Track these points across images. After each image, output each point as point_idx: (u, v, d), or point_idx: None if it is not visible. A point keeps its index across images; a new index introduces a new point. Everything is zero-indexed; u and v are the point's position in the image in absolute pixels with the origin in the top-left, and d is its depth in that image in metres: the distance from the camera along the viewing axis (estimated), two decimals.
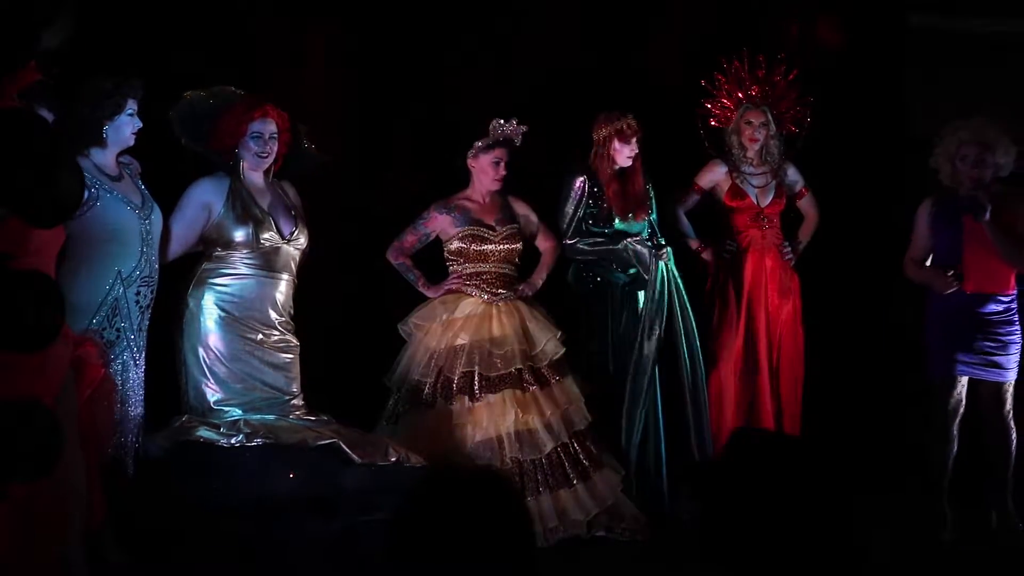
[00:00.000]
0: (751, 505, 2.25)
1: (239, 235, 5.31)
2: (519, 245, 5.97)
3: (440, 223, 5.95)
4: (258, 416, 5.25)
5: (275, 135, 5.39)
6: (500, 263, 5.92)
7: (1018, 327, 5.90)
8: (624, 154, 6.13)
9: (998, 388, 5.87)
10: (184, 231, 5.29)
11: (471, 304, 5.85)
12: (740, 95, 6.51)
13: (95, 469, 4.51)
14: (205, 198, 5.33)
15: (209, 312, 5.29)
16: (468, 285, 5.89)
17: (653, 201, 6.29)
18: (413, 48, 6.59)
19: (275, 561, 4.86)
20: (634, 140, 6.11)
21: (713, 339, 6.46)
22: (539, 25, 6.76)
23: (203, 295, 5.30)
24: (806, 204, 6.66)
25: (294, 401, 5.39)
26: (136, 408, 5.04)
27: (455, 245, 5.91)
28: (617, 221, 6.17)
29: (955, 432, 5.87)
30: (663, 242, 6.18)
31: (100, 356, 4.67)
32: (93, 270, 4.89)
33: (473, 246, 5.88)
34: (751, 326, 6.47)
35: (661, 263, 6.05)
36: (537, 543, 2.32)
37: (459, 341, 5.76)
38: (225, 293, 5.31)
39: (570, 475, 5.73)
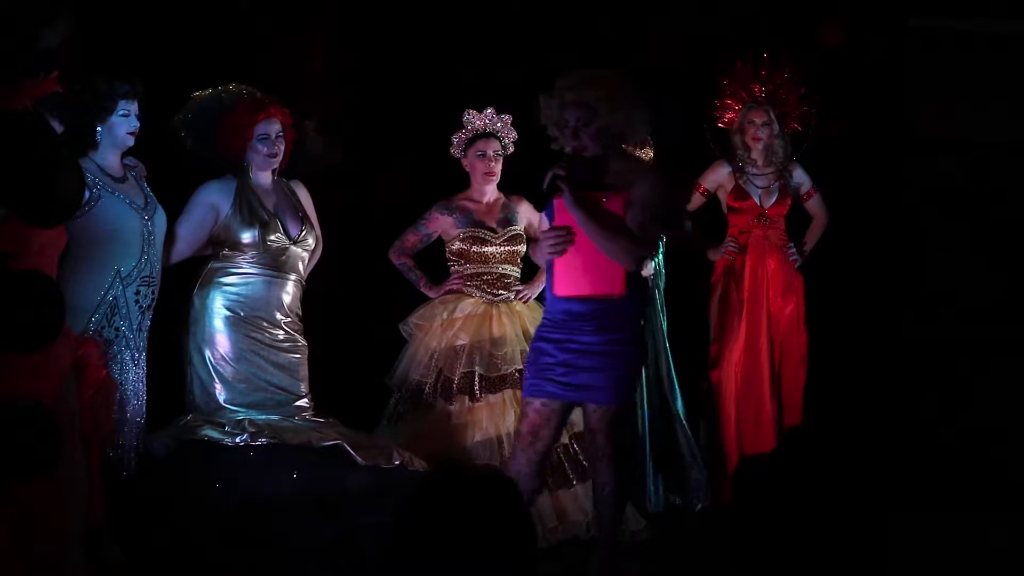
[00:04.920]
0: (790, 511, 2.24)
1: (246, 237, 5.32)
2: (521, 247, 5.96)
3: (442, 224, 5.95)
4: (263, 416, 5.25)
5: (280, 134, 5.39)
6: (501, 264, 5.92)
7: (624, 339, 4.63)
8: None
9: (596, 416, 4.66)
10: (192, 233, 5.30)
11: (471, 304, 5.85)
12: (744, 95, 6.50)
13: (96, 469, 4.51)
14: (213, 200, 5.33)
15: (215, 312, 5.30)
16: (469, 286, 5.89)
17: None
18: (413, 48, 6.59)
19: (277, 561, 4.86)
20: None
21: (714, 340, 6.46)
22: (539, 24, 6.75)
23: (209, 295, 5.31)
24: (814, 205, 6.63)
25: (300, 402, 5.39)
26: (136, 408, 5.03)
27: (456, 246, 5.91)
28: None
29: (533, 465, 4.71)
30: None
31: (101, 357, 4.67)
32: (93, 270, 4.89)
33: (474, 247, 5.88)
34: (752, 328, 6.45)
35: None
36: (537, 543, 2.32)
37: (459, 341, 5.76)
38: (231, 293, 5.31)
39: (570, 476, 5.73)
